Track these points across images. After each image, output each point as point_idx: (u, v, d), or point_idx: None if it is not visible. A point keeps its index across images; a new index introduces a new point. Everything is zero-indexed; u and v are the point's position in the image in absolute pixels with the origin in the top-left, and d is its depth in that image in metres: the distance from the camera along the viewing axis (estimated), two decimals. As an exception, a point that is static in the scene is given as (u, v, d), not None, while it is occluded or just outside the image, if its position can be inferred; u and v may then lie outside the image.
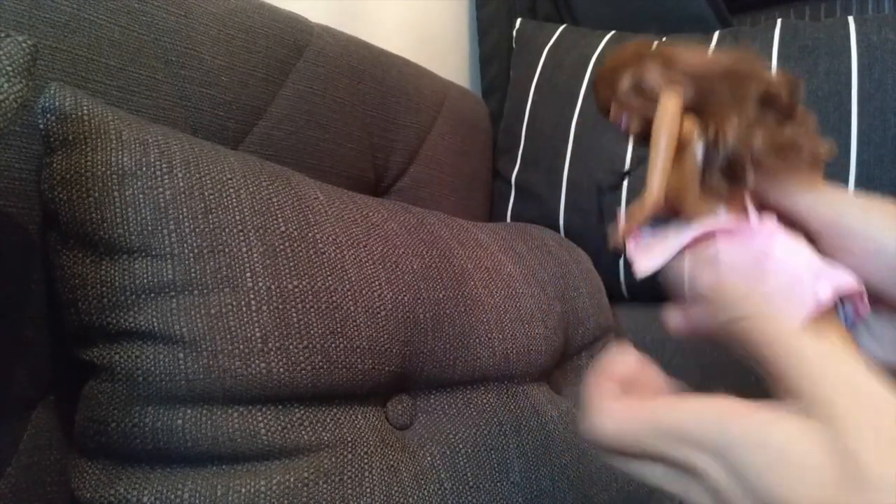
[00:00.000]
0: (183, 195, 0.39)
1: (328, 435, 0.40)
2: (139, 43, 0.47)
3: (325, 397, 0.41)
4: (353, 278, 0.44)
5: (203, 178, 0.40)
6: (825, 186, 0.29)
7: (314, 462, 0.39)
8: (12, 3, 0.40)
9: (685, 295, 0.29)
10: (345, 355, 0.41)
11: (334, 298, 0.42)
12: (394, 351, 0.45)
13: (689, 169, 0.28)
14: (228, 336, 0.37)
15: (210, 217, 0.39)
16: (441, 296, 0.50)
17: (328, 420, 0.41)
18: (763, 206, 0.30)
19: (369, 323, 0.44)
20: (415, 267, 0.49)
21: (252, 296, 0.39)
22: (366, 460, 0.41)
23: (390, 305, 0.45)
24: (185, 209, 0.39)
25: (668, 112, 0.28)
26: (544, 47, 0.87)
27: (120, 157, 0.38)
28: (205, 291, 0.38)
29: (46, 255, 0.39)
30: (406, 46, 0.80)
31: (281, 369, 0.38)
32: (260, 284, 0.39)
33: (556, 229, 0.79)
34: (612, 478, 0.56)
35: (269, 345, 0.38)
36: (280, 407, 0.39)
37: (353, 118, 0.65)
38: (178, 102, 0.50)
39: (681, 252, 0.29)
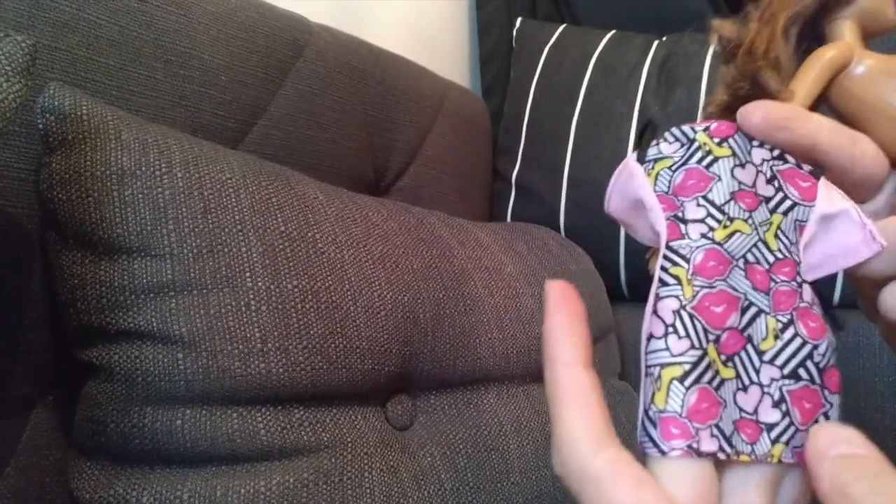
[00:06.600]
0: (182, 195, 0.39)
1: (328, 435, 0.40)
2: (139, 43, 0.47)
3: (325, 398, 0.41)
4: (353, 278, 0.44)
5: (202, 178, 0.40)
6: None
7: (314, 463, 0.39)
8: (12, 3, 0.40)
9: None
10: (344, 355, 0.41)
11: (334, 298, 0.42)
12: (393, 351, 0.45)
13: None
14: (228, 336, 0.37)
15: (209, 217, 0.39)
16: (441, 296, 0.50)
17: (328, 421, 0.41)
18: None
19: (369, 323, 0.43)
20: (415, 267, 0.49)
21: (251, 296, 0.39)
22: (366, 461, 0.41)
23: (390, 305, 0.45)
24: (184, 209, 0.39)
25: None
26: (544, 47, 0.86)
27: (119, 156, 0.38)
28: (204, 291, 0.37)
29: (46, 255, 0.39)
30: (406, 46, 0.80)
31: (280, 370, 0.38)
32: (259, 284, 0.39)
33: (557, 229, 0.79)
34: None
35: (269, 345, 0.38)
36: (280, 407, 0.38)
37: (353, 118, 0.65)
38: (177, 102, 0.49)
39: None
